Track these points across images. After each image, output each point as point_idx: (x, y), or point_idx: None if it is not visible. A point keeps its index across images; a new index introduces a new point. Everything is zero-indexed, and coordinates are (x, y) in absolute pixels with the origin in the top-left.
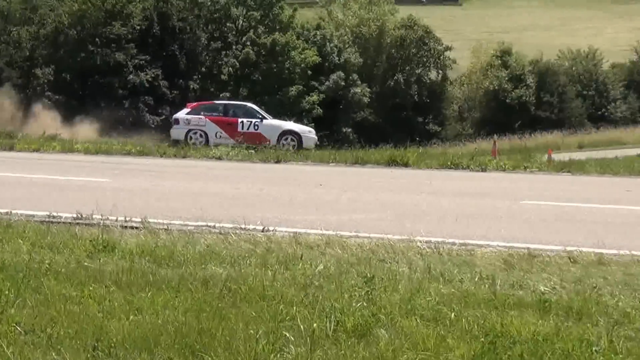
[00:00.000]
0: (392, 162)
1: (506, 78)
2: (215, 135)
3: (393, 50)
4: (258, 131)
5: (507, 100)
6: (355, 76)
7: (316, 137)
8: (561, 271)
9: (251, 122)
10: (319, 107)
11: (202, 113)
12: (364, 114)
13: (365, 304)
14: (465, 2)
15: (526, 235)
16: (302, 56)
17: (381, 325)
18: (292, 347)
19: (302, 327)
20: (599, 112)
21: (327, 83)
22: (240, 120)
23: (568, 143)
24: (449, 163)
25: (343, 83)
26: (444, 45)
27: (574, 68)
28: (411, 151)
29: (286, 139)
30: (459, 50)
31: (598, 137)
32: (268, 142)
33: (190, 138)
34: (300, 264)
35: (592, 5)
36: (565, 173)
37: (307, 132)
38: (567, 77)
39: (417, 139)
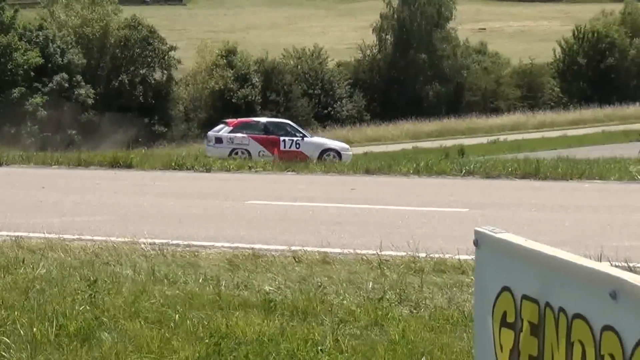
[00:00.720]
0: (115, 164)
1: (232, 78)
2: (258, 154)
3: (117, 51)
4: (300, 149)
5: (233, 100)
6: (79, 77)
7: (351, 153)
8: (286, 271)
9: (293, 140)
10: (42, 109)
11: (244, 132)
12: (89, 116)
13: (88, 307)
14: (190, 2)
15: (251, 235)
16: (25, 57)
17: (105, 328)
18: (13, 352)
19: (22, 332)
20: (326, 111)
21: (50, 84)
22: (282, 138)
23: None
24: (173, 164)
25: (67, 84)
26: (168, 45)
27: (299, 67)
28: (135, 152)
29: (328, 155)
30: (185, 50)
31: (325, 135)
32: (308, 160)
33: (234, 158)
34: (22, 268)
35: (318, 4)
36: (290, 172)
37: (346, 149)
38: (292, 76)
39: (140, 140)
